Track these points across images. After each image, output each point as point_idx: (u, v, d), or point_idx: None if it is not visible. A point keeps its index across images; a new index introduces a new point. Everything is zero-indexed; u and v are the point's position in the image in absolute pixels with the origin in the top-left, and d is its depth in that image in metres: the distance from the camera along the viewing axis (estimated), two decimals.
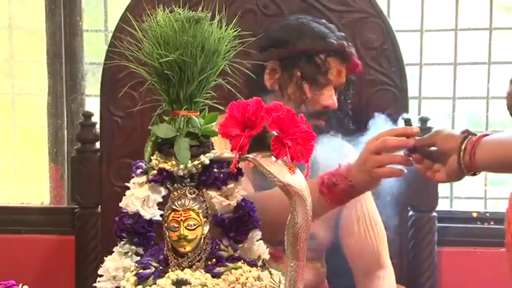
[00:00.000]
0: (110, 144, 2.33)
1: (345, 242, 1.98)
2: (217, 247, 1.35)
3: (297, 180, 1.26)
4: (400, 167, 1.60)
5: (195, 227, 1.29)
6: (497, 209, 2.61)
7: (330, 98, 1.91)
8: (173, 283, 1.28)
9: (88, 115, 2.40)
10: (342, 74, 1.93)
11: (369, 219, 1.97)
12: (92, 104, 2.63)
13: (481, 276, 2.45)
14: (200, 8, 1.39)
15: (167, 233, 1.30)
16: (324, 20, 2.03)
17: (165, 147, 1.33)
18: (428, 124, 2.33)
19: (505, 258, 1.58)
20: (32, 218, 2.63)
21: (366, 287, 1.94)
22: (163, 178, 1.33)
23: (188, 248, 1.29)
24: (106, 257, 1.41)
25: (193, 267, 1.30)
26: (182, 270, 1.29)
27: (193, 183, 1.33)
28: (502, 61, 2.60)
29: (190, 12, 1.34)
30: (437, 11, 2.61)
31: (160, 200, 1.38)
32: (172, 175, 1.32)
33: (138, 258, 1.37)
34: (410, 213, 2.33)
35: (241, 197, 1.37)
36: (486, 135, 1.50)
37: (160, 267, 1.32)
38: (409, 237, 2.32)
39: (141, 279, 1.31)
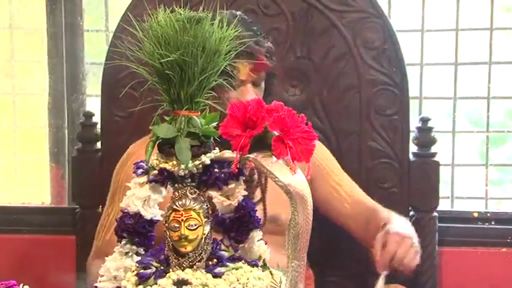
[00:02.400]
0: (110, 144, 2.33)
1: (338, 210, 2.08)
2: (218, 247, 1.35)
3: (298, 180, 1.26)
4: None
5: (195, 227, 1.29)
6: (498, 209, 2.61)
7: (247, 94, 1.88)
8: (174, 283, 1.28)
9: (89, 115, 2.40)
10: (254, 70, 1.92)
11: (348, 186, 2.10)
12: (93, 104, 2.63)
13: (481, 276, 2.45)
14: (201, 8, 1.39)
15: (168, 233, 1.30)
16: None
17: (166, 147, 1.33)
18: (429, 124, 2.33)
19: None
20: (32, 218, 2.63)
21: (369, 234, 2.00)
22: (164, 178, 1.33)
23: (189, 248, 1.29)
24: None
25: (194, 267, 1.30)
26: (183, 270, 1.29)
27: (194, 183, 1.33)
28: (503, 61, 2.60)
29: (191, 12, 1.34)
30: (438, 11, 2.61)
31: (161, 200, 1.38)
32: (173, 175, 1.32)
33: (139, 258, 1.37)
34: (411, 213, 2.33)
35: (242, 197, 1.37)
36: None
37: (161, 267, 1.32)
38: None
39: (142, 279, 1.31)
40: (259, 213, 1.83)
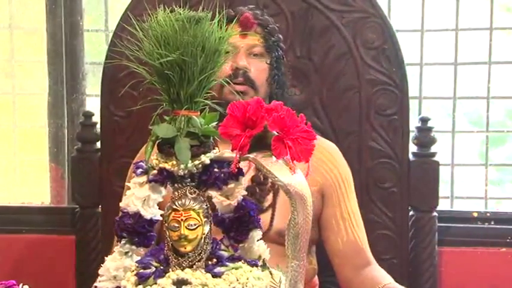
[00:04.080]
0: (110, 144, 2.33)
1: (331, 242, 1.98)
2: (217, 247, 1.35)
3: (298, 180, 1.26)
4: None
5: (195, 226, 1.29)
6: (497, 209, 2.61)
7: (239, 60, 1.89)
8: (174, 283, 1.28)
9: (88, 115, 2.40)
10: (245, 37, 1.92)
11: (354, 220, 1.99)
12: (93, 104, 2.63)
13: (481, 276, 2.45)
14: (200, 8, 1.39)
15: (168, 233, 1.30)
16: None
17: (166, 147, 1.33)
18: (429, 124, 2.33)
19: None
20: (32, 218, 2.63)
21: (357, 281, 1.95)
22: (163, 178, 1.33)
23: (189, 248, 1.29)
24: (106, 256, 1.41)
25: (194, 267, 1.30)
26: (183, 270, 1.29)
27: (193, 183, 1.33)
28: (503, 61, 2.60)
29: (191, 12, 1.34)
30: (438, 11, 2.61)
31: (161, 199, 1.38)
32: (172, 175, 1.32)
33: (139, 258, 1.37)
34: (411, 213, 2.33)
35: (242, 197, 1.37)
36: None
37: (161, 267, 1.32)
38: (409, 237, 2.32)
39: (141, 278, 1.31)
40: (266, 219, 1.83)
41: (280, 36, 2.00)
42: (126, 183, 1.48)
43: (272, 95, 1.95)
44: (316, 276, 2.09)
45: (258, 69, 1.92)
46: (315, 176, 1.91)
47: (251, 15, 1.93)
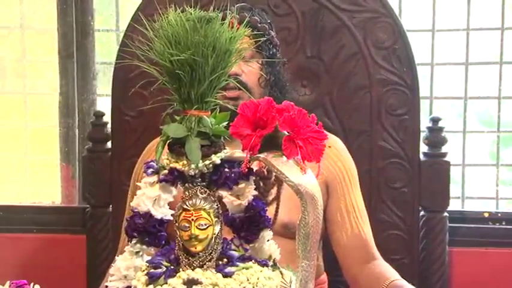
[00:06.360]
0: (121, 143, 2.34)
1: (336, 235, 1.97)
2: (228, 247, 1.34)
3: (308, 180, 1.26)
4: None
5: (206, 226, 1.29)
6: (509, 209, 2.60)
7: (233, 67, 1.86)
8: (184, 282, 1.28)
9: (99, 115, 2.41)
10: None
11: (359, 213, 1.98)
12: (103, 104, 2.64)
13: (492, 276, 2.44)
14: (211, 8, 1.39)
15: (178, 233, 1.30)
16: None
17: (176, 147, 1.33)
18: (440, 124, 2.33)
19: None
20: (43, 217, 2.64)
21: (362, 275, 1.93)
22: (174, 178, 1.33)
23: (199, 248, 1.29)
24: (117, 256, 1.41)
25: (204, 266, 1.30)
26: (193, 270, 1.29)
27: (204, 183, 1.33)
28: None
29: (202, 11, 1.35)
30: (449, 11, 2.60)
31: (172, 199, 1.38)
32: (183, 175, 1.32)
33: (149, 257, 1.37)
34: (422, 213, 2.32)
35: (252, 197, 1.37)
36: None
37: (172, 267, 1.32)
38: (420, 237, 2.31)
39: (152, 278, 1.31)
40: (270, 212, 1.83)
41: (273, 33, 1.96)
42: (136, 183, 1.48)
43: (270, 94, 1.92)
44: (325, 274, 2.09)
45: (250, 72, 1.89)
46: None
47: (236, 19, 1.90)
